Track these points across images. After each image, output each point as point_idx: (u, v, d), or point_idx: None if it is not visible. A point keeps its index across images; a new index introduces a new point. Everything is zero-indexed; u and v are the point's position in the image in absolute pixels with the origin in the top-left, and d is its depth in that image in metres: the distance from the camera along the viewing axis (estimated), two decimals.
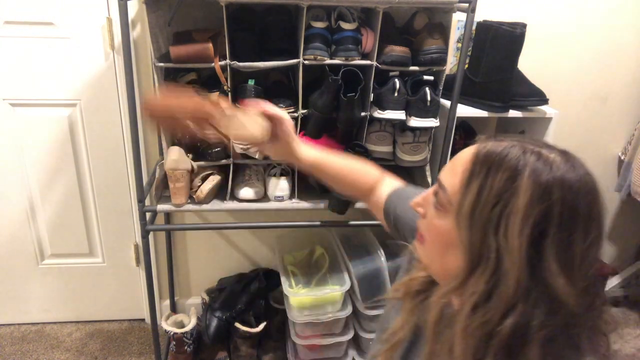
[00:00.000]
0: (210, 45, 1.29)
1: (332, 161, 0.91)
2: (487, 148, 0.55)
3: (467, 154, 0.57)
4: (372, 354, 0.76)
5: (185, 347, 1.77)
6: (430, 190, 0.63)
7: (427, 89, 1.31)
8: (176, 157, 1.37)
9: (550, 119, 1.47)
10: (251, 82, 1.33)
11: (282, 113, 0.84)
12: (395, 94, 1.32)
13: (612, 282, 2.14)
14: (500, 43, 1.37)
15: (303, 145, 0.89)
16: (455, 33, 1.55)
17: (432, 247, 0.62)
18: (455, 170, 0.57)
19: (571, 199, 0.50)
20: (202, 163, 1.43)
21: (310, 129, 1.40)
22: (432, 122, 1.35)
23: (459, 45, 1.55)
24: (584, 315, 0.53)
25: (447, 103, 1.41)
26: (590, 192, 0.52)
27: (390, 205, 0.86)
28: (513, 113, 1.45)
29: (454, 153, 1.47)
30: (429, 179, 1.50)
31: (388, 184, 0.90)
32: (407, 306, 0.70)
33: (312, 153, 0.89)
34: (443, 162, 1.44)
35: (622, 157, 1.92)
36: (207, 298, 1.85)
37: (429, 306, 0.61)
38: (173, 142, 1.46)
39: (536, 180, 0.51)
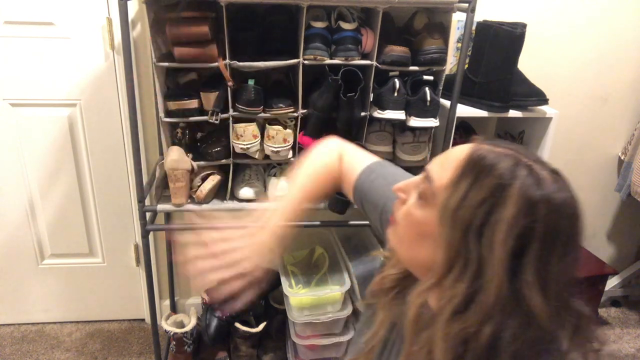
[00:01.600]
0: (215, 45, 1.29)
1: (303, 194, 0.84)
2: (482, 151, 0.55)
3: (460, 151, 0.57)
4: (351, 359, 0.76)
5: (185, 347, 1.77)
6: (416, 178, 0.63)
7: (426, 89, 1.31)
8: (176, 157, 1.37)
9: (550, 119, 1.47)
10: (251, 82, 1.33)
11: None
12: (395, 94, 1.32)
13: (612, 282, 2.14)
14: (500, 43, 1.37)
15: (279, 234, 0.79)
16: (455, 33, 1.55)
17: (405, 233, 0.63)
18: (445, 165, 0.58)
19: (555, 218, 0.51)
20: (202, 163, 1.43)
21: (310, 129, 1.40)
22: (431, 122, 1.35)
23: (459, 45, 1.55)
24: (555, 332, 0.53)
25: (447, 103, 1.41)
26: (573, 215, 0.53)
27: (360, 183, 0.84)
28: (513, 113, 1.45)
29: None
30: None
31: (353, 161, 0.86)
32: (382, 304, 0.71)
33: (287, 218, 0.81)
34: None
35: (622, 157, 1.92)
36: (207, 298, 1.85)
37: (407, 304, 0.61)
38: (173, 142, 1.46)
39: (524, 194, 0.51)
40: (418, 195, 0.60)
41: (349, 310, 1.58)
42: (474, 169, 0.54)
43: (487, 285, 0.51)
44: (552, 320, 0.52)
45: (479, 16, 1.39)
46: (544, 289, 0.51)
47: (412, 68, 1.37)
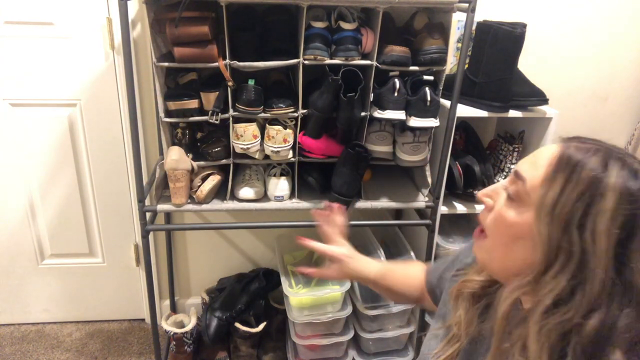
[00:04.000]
0: (215, 45, 1.29)
1: (390, 272, 0.96)
2: (573, 147, 0.57)
3: (551, 150, 0.59)
4: (434, 353, 0.76)
5: (185, 347, 1.77)
6: (502, 182, 0.64)
7: (427, 89, 1.31)
8: (176, 157, 1.37)
9: (550, 119, 1.47)
10: (251, 82, 1.33)
11: (336, 253, 0.96)
12: (395, 94, 1.32)
13: None
14: (500, 43, 1.37)
15: (362, 260, 0.96)
16: (455, 33, 1.55)
17: (496, 240, 0.62)
18: (537, 164, 0.59)
19: None
20: (202, 163, 1.43)
21: (310, 129, 1.40)
22: (432, 122, 1.35)
23: (459, 45, 1.55)
24: None
25: (447, 103, 1.41)
26: None
27: (430, 280, 0.89)
28: (513, 113, 1.45)
29: (454, 153, 1.47)
30: (429, 179, 1.50)
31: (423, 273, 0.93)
32: (460, 306, 0.72)
33: (373, 266, 0.95)
34: (443, 162, 1.44)
35: None
36: (207, 298, 1.85)
37: (499, 300, 0.61)
38: (173, 142, 1.46)
39: (622, 185, 0.52)
40: (509, 197, 0.61)
41: (349, 310, 1.59)
42: (567, 164, 0.55)
43: (592, 275, 0.52)
44: None
45: (479, 16, 1.39)
46: None
47: (412, 68, 1.36)
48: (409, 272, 0.96)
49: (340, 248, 0.97)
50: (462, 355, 0.71)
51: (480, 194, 0.66)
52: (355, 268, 0.95)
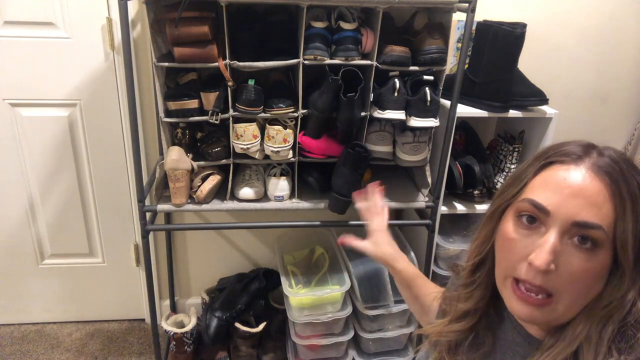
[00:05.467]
0: (215, 45, 1.29)
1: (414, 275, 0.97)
2: (607, 166, 0.59)
3: (593, 182, 0.58)
4: None
5: (185, 347, 1.77)
6: (552, 240, 0.59)
7: (427, 89, 1.31)
8: (176, 157, 1.37)
9: (550, 119, 1.47)
10: (251, 82, 1.33)
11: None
12: (395, 94, 1.32)
13: None
14: (500, 43, 1.37)
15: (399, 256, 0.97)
16: (455, 33, 1.55)
17: (578, 292, 0.60)
18: (594, 202, 0.58)
19: None
20: (202, 163, 1.44)
21: (310, 129, 1.40)
22: (432, 122, 1.35)
23: (459, 45, 1.55)
24: None
25: (447, 103, 1.41)
26: None
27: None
28: (513, 113, 1.45)
29: (454, 153, 1.47)
30: (429, 179, 1.50)
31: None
32: (441, 350, 0.73)
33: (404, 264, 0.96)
34: (443, 162, 1.44)
35: None
36: (207, 298, 1.86)
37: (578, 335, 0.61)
38: (173, 142, 1.46)
39: None
40: (587, 248, 0.58)
41: (349, 310, 1.59)
42: (624, 187, 0.58)
43: None
44: None
45: (479, 16, 1.39)
46: None
47: (412, 68, 1.37)
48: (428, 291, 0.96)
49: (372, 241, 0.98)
50: None
51: (544, 264, 0.58)
52: (384, 252, 0.97)
